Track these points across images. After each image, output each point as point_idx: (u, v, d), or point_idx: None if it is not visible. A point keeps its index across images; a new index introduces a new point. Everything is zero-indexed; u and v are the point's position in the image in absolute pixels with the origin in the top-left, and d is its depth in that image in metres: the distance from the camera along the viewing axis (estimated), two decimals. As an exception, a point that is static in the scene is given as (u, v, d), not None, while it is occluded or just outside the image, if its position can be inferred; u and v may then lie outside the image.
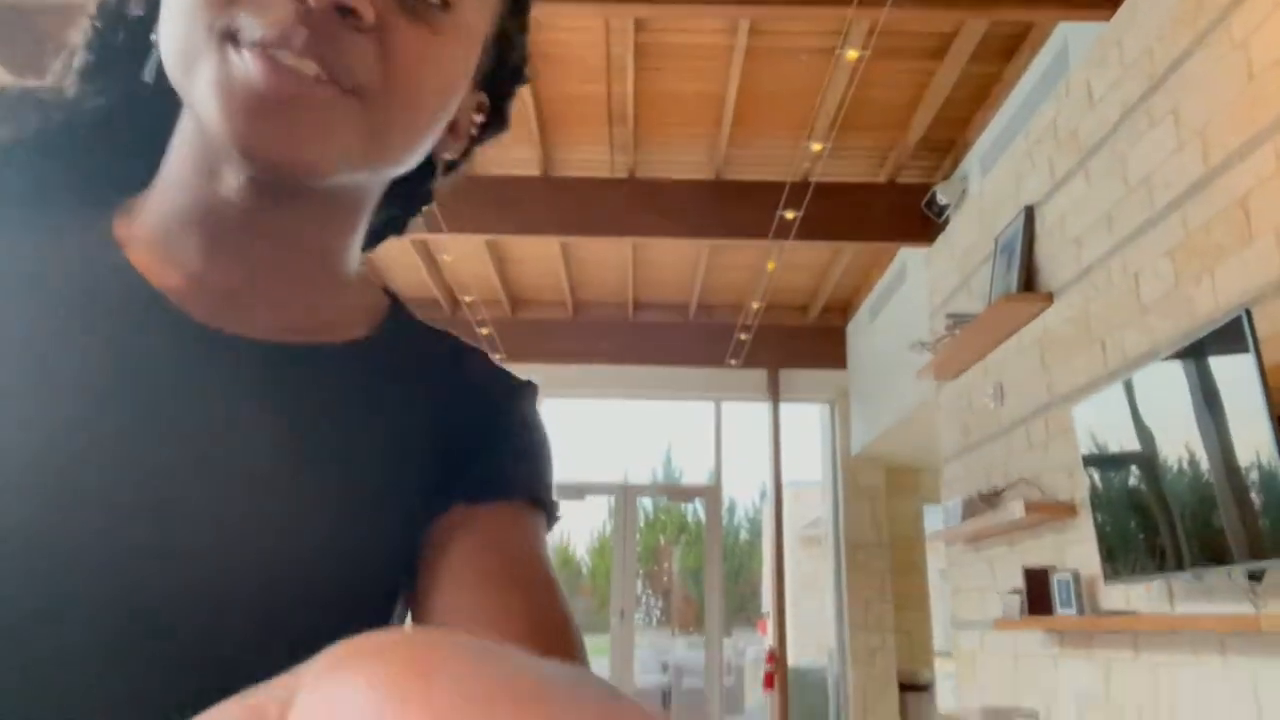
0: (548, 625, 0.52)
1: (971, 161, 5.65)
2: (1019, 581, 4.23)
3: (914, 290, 6.66)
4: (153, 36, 0.55)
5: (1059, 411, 4.01)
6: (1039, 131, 4.33)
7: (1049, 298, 4.11)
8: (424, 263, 7.46)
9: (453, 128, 0.61)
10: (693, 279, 8.02)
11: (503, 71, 0.65)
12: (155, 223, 0.56)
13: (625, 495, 9.03)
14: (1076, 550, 3.82)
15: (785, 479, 8.54)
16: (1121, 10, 3.62)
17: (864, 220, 6.18)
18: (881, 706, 8.02)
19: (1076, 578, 3.63)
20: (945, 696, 8.17)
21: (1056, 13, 4.16)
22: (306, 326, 0.58)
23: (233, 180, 0.53)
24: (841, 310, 8.67)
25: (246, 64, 0.48)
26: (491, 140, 0.68)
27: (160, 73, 0.53)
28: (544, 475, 0.63)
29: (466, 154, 0.67)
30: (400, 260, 7.77)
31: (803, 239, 6.09)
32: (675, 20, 4.68)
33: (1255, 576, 2.63)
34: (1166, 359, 2.91)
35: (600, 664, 9.37)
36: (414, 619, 0.57)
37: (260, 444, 0.53)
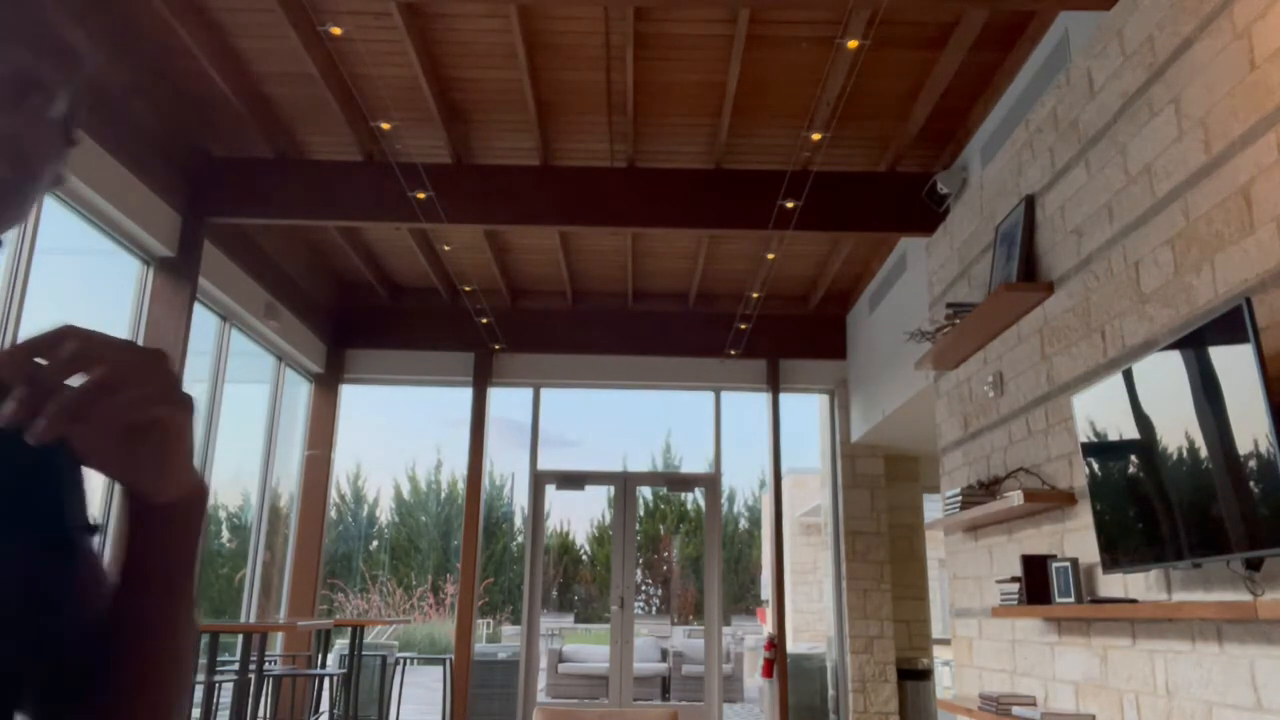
0: None
1: (972, 151, 5.64)
2: (1018, 569, 4.24)
3: (914, 280, 6.66)
4: None
5: (1059, 401, 4.02)
6: (1039, 121, 4.32)
7: (1049, 287, 4.11)
8: (423, 252, 7.45)
9: None
10: (692, 268, 8.01)
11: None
12: None
13: (625, 484, 9.05)
14: (1075, 539, 3.83)
15: (785, 467, 8.56)
16: (1123, -2, 3.61)
17: (864, 210, 6.18)
18: (880, 693, 8.06)
19: (1075, 566, 3.65)
20: (943, 683, 8.20)
21: (1057, 2, 4.15)
22: None
23: None
24: (841, 300, 8.67)
25: None
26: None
27: None
28: None
29: None
30: (400, 249, 7.77)
31: (802, 229, 6.08)
32: (675, 9, 4.66)
33: (1253, 565, 2.64)
34: (1166, 348, 2.91)
35: (601, 652, 9.41)
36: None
37: None
